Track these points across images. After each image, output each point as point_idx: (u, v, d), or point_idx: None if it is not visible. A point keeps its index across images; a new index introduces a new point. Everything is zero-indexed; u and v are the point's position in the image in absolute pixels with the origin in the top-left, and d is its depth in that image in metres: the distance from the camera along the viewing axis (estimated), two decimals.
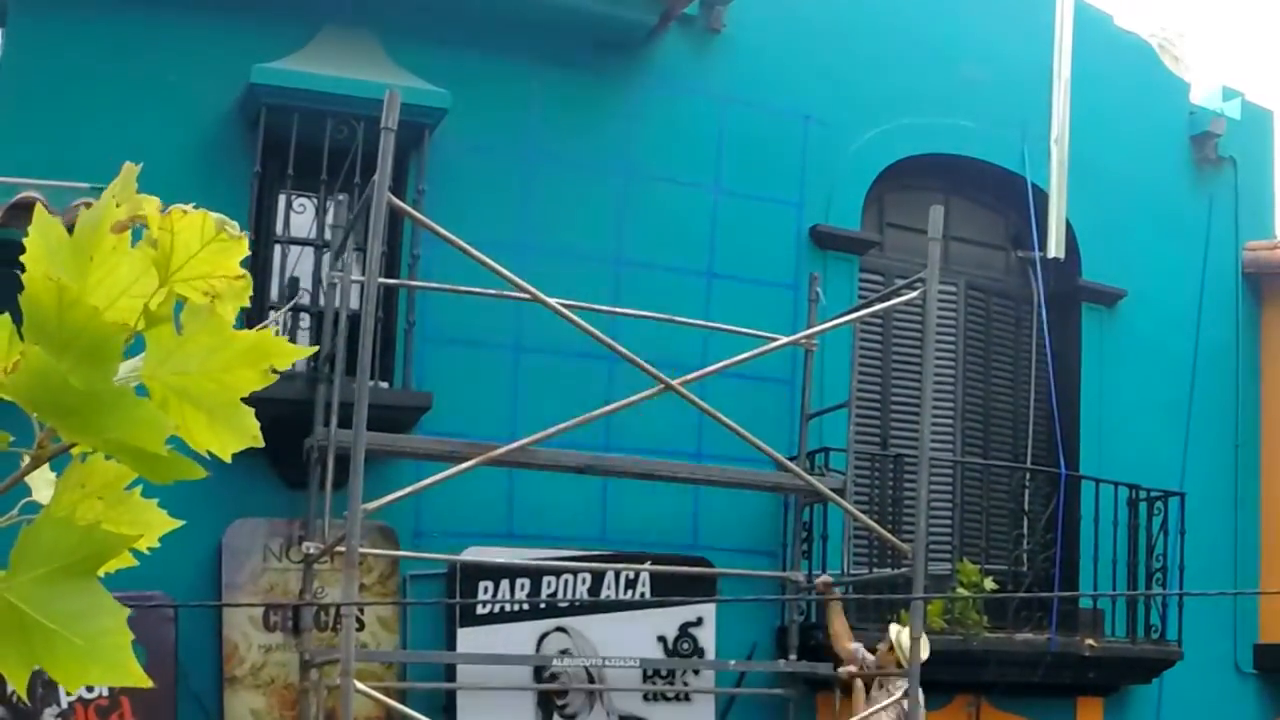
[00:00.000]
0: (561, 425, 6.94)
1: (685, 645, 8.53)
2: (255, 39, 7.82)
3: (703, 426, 8.16)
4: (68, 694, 6.91)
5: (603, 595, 8.33)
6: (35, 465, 1.38)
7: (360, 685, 6.38)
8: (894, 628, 7.90)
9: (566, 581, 8.31)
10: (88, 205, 1.40)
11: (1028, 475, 9.83)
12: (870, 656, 8.04)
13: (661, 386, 7.39)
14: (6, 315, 1.32)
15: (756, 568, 8.77)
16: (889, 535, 7.87)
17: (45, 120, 7.50)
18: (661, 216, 8.92)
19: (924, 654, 7.47)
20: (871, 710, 7.75)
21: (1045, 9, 9.36)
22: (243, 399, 1.39)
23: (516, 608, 8.15)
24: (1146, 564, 9.68)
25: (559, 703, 8.23)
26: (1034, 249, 9.82)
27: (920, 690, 7.40)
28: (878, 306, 8.45)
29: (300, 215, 8.03)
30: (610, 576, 8.34)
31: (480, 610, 8.09)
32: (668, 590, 8.39)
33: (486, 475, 7.53)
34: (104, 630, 1.26)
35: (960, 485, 9.78)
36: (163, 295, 1.33)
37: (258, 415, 1.40)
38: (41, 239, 1.32)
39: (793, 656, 8.56)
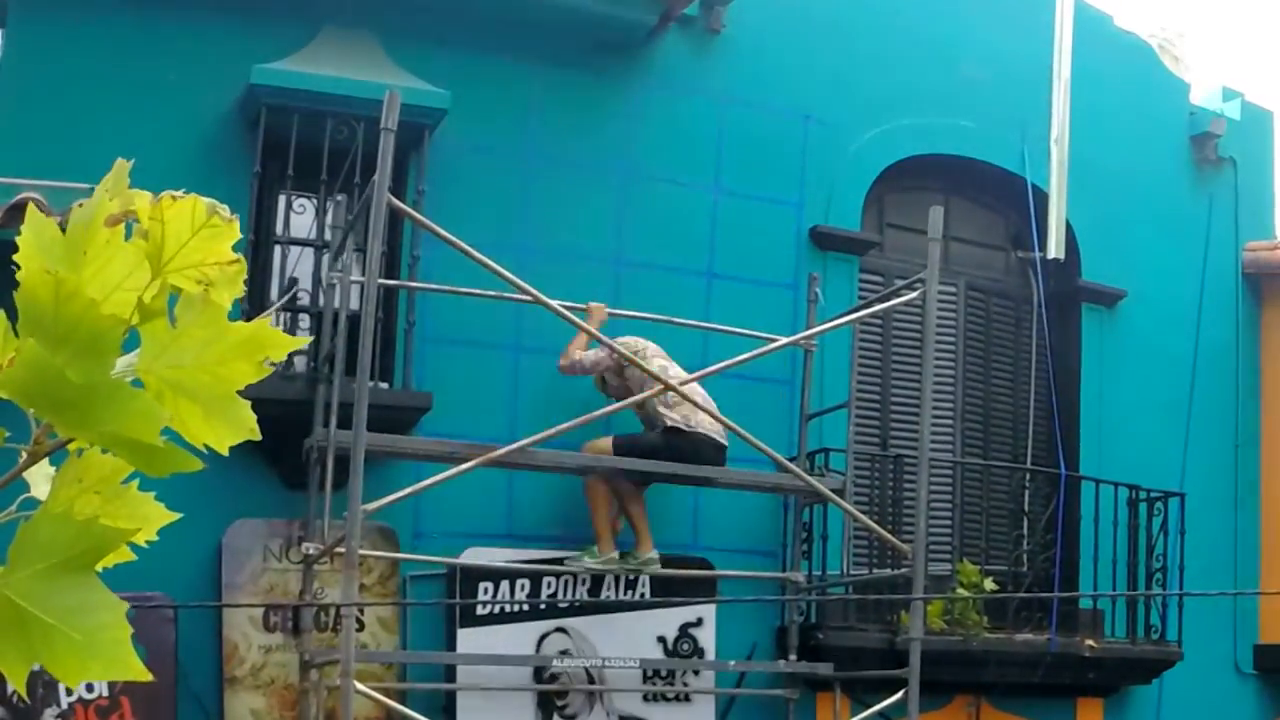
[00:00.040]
0: (562, 425, 6.94)
1: (685, 646, 8.53)
2: (255, 39, 7.82)
3: None
4: (68, 694, 6.91)
5: (603, 596, 8.33)
6: (32, 461, 1.38)
7: (360, 686, 6.38)
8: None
9: (566, 582, 8.31)
10: (82, 204, 1.40)
11: (1028, 476, 9.83)
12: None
13: (661, 387, 7.40)
14: (1, 312, 1.32)
15: (756, 568, 8.77)
16: (889, 535, 7.87)
17: (45, 120, 7.50)
18: (661, 216, 8.92)
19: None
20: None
21: (1045, 9, 9.35)
22: (243, 397, 1.39)
23: (516, 608, 8.15)
24: (1146, 564, 9.67)
25: (559, 703, 8.23)
26: (1034, 249, 9.82)
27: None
28: (878, 307, 8.45)
29: (300, 215, 8.03)
30: (610, 577, 8.34)
31: (480, 611, 8.09)
32: (668, 591, 8.39)
33: (486, 476, 7.53)
34: (103, 625, 1.26)
35: (960, 486, 9.78)
36: (156, 287, 1.33)
37: (257, 415, 1.40)
38: (35, 236, 1.32)
39: (793, 657, 8.56)
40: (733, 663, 8.46)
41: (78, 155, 7.00)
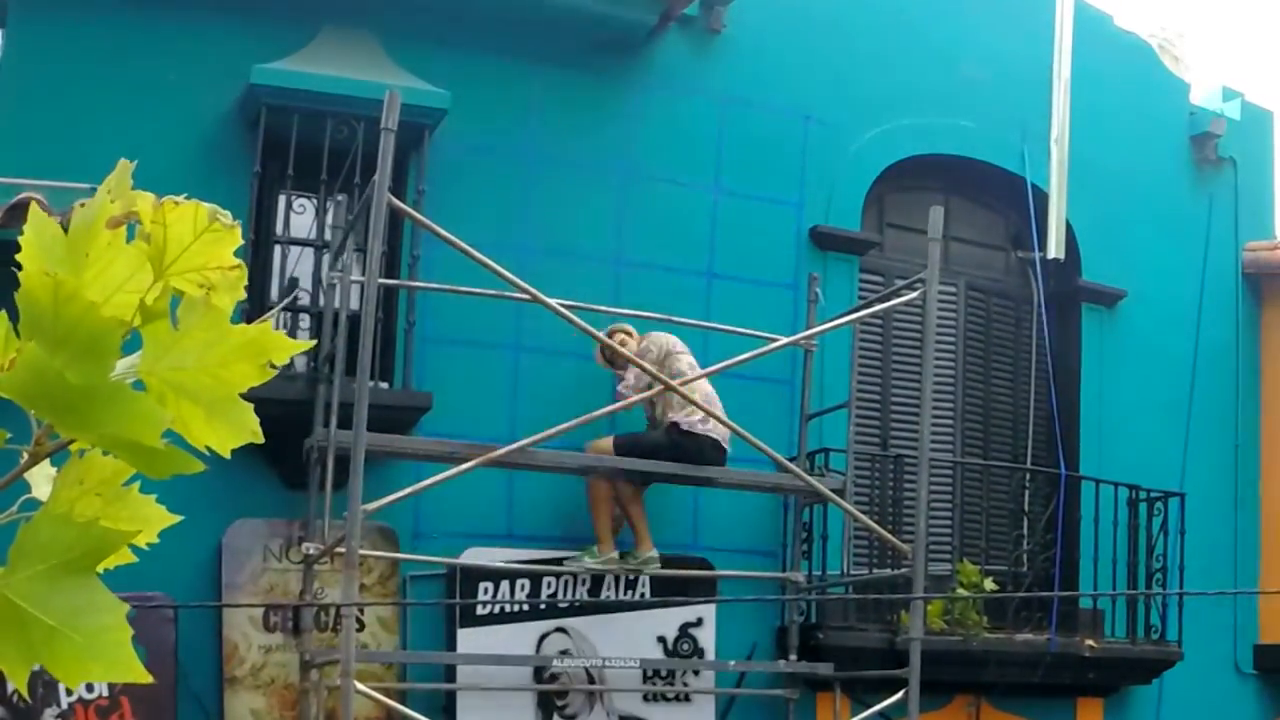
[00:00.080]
0: (562, 425, 6.94)
1: (685, 646, 8.53)
2: (255, 39, 7.82)
3: None
4: (68, 694, 6.91)
5: (603, 596, 8.33)
6: (33, 462, 1.38)
7: (360, 686, 6.38)
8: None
9: (566, 582, 8.31)
10: (84, 205, 1.40)
11: (1028, 476, 9.83)
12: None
13: (662, 386, 7.40)
14: (3, 313, 1.32)
15: (756, 568, 8.77)
16: (889, 535, 7.87)
17: (45, 120, 7.50)
18: (661, 216, 8.92)
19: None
20: None
21: (1045, 9, 9.36)
22: (243, 397, 1.39)
23: (516, 608, 8.15)
24: (1146, 564, 9.67)
25: (559, 703, 8.23)
26: (1034, 249, 9.82)
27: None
28: (878, 307, 8.45)
29: (300, 215, 8.02)
30: (610, 577, 8.34)
31: (480, 611, 8.09)
32: (668, 591, 8.39)
33: (486, 476, 7.52)
34: (103, 626, 1.26)
35: (960, 486, 9.78)
36: (158, 289, 1.33)
37: (258, 415, 1.40)
38: (37, 237, 1.32)
39: (793, 657, 8.56)
40: (733, 663, 8.46)
41: (78, 155, 7.00)
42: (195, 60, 7.82)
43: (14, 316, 1.31)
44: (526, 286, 6.79)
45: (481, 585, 8.10)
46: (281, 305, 7.67)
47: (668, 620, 8.48)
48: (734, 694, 8.60)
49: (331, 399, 7.07)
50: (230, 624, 7.52)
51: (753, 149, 9.25)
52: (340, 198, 7.84)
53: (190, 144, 7.72)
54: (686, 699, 8.53)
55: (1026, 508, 9.73)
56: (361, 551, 6.45)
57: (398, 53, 8.09)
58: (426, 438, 7.65)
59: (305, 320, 8.04)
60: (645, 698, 8.42)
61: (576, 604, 8.30)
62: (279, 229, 7.91)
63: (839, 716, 8.36)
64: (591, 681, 8.24)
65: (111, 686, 6.89)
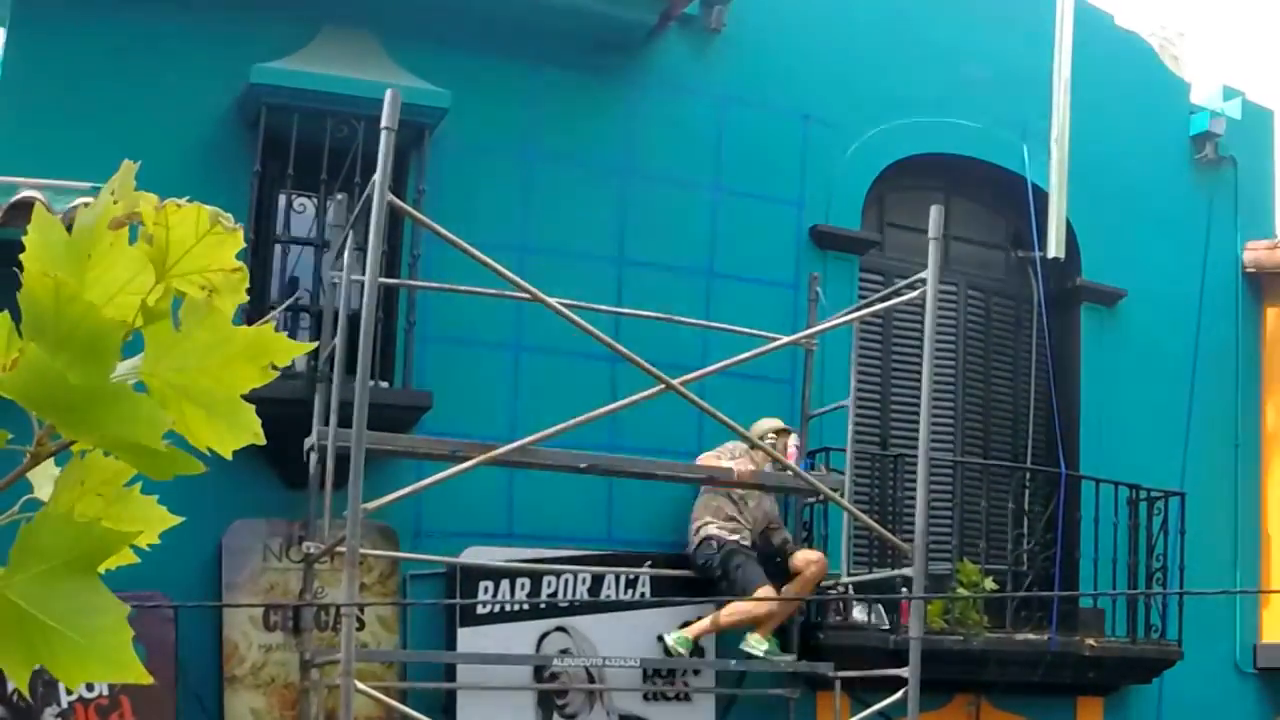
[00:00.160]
0: (562, 425, 6.94)
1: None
2: (255, 39, 7.82)
3: (703, 426, 8.17)
4: (68, 693, 6.91)
5: (603, 595, 8.33)
6: (35, 463, 1.38)
7: (360, 685, 6.38)
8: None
9: (566, 581, 8.31)
10: (87, 205, 1.40)
11: (1028, 475, 9.82)
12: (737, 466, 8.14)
13: (662, 386, 7.39)
14: (5, 313, 1.32)
15: None
16: (889, 535, 7.87)
17: (45, 120, 7.50)
18: (661, 216, 8.92)
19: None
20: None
21: (1045, 9, 9.36)
22: (243, 397, 1.39)
23: (516, 608, 8.15)
24: (1146, 564, 9.67)
25: (559, 702, 8.23)
26: (1034, 249, 9.82)
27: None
28: (878, 306, 8.45)
29: (300, 215, 8.03)
30: (610, 576, 8.34)
31: (480, 610, 8.09)
32: (668, 590, 8.39)
33: (486, 475, 7.52)
34: (104, 627, 1.26)
35: (960, 485, 9.78)
36: (160, 291, 1.33)
37: (258, 415, 1.40)
38: (40, 237, 1.32)
39: (793, 656, 8.56)
40: (733, 662, 8.46)
41: (78, 155, 6.99)
42: (195, 60, 7.82)
43: (16, 317, 1.31)
44: (527, 286, 6.78)
45: (482, 584, 8.10)
46: (284, 306, 7.66)
47: (668, 620, 8.47)
48: (734, 694, 8.60)
49: (331, 398, 7.07)
50: (230, 623, 7.52)
51: (753, 148, 9.25)
52: (340, 197, 7.83)
53: (190, 144, 7.72)
54: (686, 698, 8.53)
55: (1026, 507, 9.73)
56: (362, 551, 6.45)
57: (398, 52, 8.08)
58: (426, 437, 7.65)
59: (305, 320, 8.04)
60: (645, 697, 8.42)
61: (576, 603, 8.30)
62: (279, 228, 7.91)
63: (839, 716, 8.36)
64: (591, 681, 8.24)
65: (111, 686, 6.89)
